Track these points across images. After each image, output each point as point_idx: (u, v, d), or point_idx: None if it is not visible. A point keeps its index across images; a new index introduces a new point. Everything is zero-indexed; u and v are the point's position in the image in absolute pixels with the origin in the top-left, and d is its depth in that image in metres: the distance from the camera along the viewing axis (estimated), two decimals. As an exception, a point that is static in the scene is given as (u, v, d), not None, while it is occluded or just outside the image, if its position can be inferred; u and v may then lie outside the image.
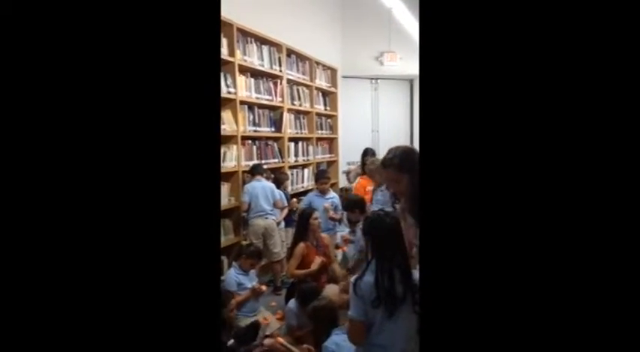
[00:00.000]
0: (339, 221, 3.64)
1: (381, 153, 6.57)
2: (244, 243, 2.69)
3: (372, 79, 6.45)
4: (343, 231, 3.56)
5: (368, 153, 4.22)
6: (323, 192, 3.64)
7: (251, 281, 2.59)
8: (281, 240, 3.63)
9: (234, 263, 2.59)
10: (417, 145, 1.23)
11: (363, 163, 3.76)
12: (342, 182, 5.65)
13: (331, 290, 2.39)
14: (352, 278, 1.49)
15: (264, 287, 2.57)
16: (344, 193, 5.53)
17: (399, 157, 1.47)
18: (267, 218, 3.32)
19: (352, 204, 2.96)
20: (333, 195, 3.72)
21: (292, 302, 2.40)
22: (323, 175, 3.77)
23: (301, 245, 2.73)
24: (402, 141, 6.51)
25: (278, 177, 3.77)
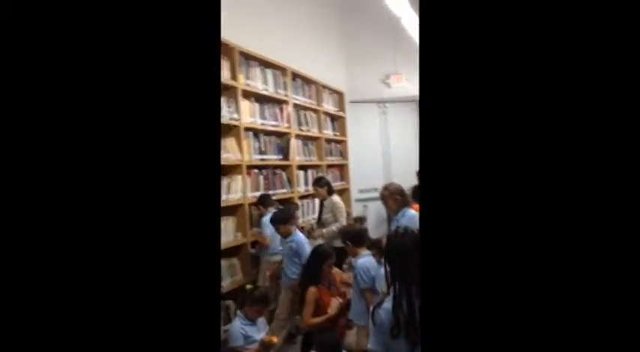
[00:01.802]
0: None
1: (393, 178, 6.33)
2: (248, 287, 2.35)
3: (380, 102, 6.27)
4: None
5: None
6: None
7: (260, 332, 2.22)
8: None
9: (238, 312, 2.23)
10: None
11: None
12: (355, 211, 5.32)
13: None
14: (371, 307, 1.39)
15: (275, 339, 2.19)
16: (358, 223, 5.22)
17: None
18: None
19: (349, 235, 2.54)
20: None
21: (310, 357, 2.03)
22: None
23: (312, 290, 2.37)
24: (414, 163, 6.22)
25: (288, 208, 3.46)
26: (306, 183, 4.05)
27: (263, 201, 3.12)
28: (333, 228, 3.35)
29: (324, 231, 3.38)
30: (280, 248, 2.94)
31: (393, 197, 2.65)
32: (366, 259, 2.32)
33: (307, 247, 2.78)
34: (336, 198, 3.47)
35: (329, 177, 4.62)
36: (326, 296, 2.40)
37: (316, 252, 2.57)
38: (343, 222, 3.38)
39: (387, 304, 1.30)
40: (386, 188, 2.73)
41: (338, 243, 3.01)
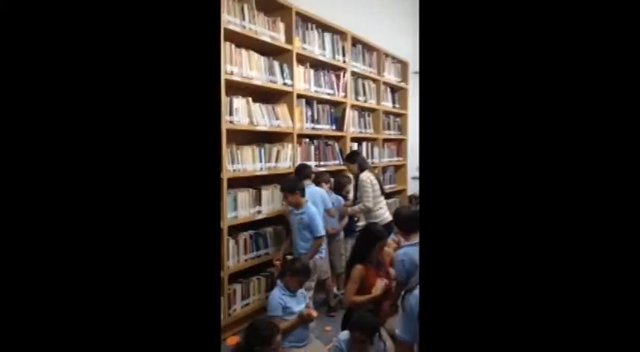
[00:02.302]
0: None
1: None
2: (289, 257, 2.27)
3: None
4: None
5: None
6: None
7: (299, 304, 2.16)
8: (339, 253, 3.17)
9: (278, 281, 2.18)
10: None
11: None
12: (411, 189, 5.05)
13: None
14: (402, 292, 1.36)
15: (314, 313, 2.12)
16: (414, 202, 4.97)
17: None
18: None
19: (399, 219, 2.28)
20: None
21: (345, 335, 1.93)
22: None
23: (359, 267, 2.24)
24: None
25: (339, 180, 3.32)
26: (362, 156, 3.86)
27: (297, 172, 2.96)
28: (356, 208, 3.11)
29: (349, 209, 3.16)
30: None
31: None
32: (407, 249, 2.12)
33: (319, 220, 2.65)
34: (363, 175, 3.12)
35: (385, 152, 4.40)
36: (372, 276, 2.26)
37: (368, 230, 2.42)
38: (367, 201, 3.07)
39: (418, 291, 1.22)
40: None
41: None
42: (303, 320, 2.10)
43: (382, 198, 3.23)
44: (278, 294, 2.12)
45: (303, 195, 2.68)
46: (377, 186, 3.18)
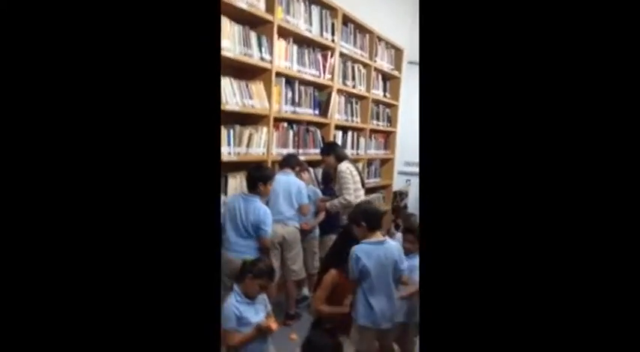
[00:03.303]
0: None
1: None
2: (248, 258, 1.97)
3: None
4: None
5: None
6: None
7: (258, 314, 1.86)
8: (313, 251, 2.88)
9: (235, 287, 1.86)
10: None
11: None
12: (397, 184, 4.78)
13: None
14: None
15: (274, 325, 1.83)
16: (397, 198, 4.71)
17: None
18: (286, 224, 2.58)
19: (365, 213, 1.95)
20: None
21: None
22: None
23: (332, 272, 1.95)
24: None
25: (327, 173, 3.01)
26: (343, 146, 3.55)
27: (283, 161, 2.68)
28: (336, 202, 2.77)
29: (327, 203, 2.81)
30: (281, 214, 2.53)
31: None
32: (365, 247, 1.86)
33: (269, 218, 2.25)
34: (343, 165, 2.78)
35: (372, 143, 4.10)
36: (347, 284, 1.98)
37: (349, 231, 2.12)
38: (348, 194, 2.73)
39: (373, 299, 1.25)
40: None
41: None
42: (262, 333, 1.81)
43: (362, 193, 2.92)
44: (233, 302, 1.80)
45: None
46: (357, 178, 2.87)
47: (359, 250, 1.87)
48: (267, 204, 2.51)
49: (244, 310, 1.81)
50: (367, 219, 1.91)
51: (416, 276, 1.97)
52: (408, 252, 2.10)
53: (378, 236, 1.90)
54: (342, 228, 2.70)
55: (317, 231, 2.91)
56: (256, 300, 1.87)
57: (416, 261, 2.05)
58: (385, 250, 1.87)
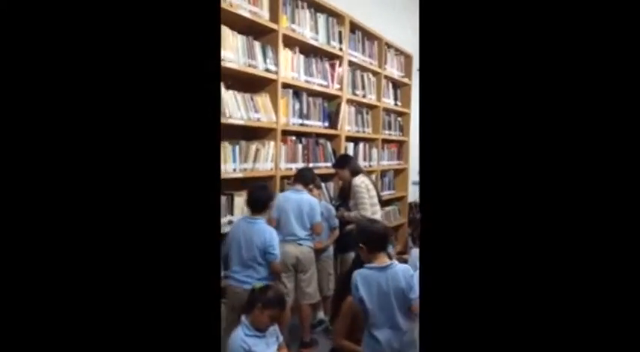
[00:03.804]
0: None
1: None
2: (257, 285, 1.79)
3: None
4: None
5: None
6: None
7: (269, 347, 1.68)
8: (327, 272, 2.70)
9: (243, 318, 1.69)
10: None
11: None
12: (412, 195, 4.58)
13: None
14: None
15: (289, 359, 1.65)
16: (414, 210, 4.51)
17: None
18: (300, 244, 2.40)
19: (364, 234, 1.74)
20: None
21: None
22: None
23: (350, 300, 1.76)
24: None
25: (342, 187, 2.85)
26: (355, 158, 3.39)
27: (297, 177, 2.52)
28: (353, 214, 2.62)
29: (345, 213, 2.68)
30: (293, 235, 2.36)
31: None
32: (365, 273, 1.65)
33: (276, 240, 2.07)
34: (357, 180, 2.64)
35: (384, 154, 3.93)
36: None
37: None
38: (364, 211, 2.58)
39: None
40: None
41: None
42: (274, 369, 1.63)
43: (378, 208, 2.74)
44: (240, 336, 1.63)
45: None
46: (373, 192, 2.70)
47: (358, 276, 1.65)
48: (278, 224, 2.35)
49: (254, 344, 1.64)
50: (365, 240, 1.69)
51: None
52: None
53: (382, 259, 1.66)
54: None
55: (331, 250, 2.73)
56: (267, 332, 1.70)
57: None
58: (388, 277, 1.61)
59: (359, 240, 1.71)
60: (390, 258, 1.73)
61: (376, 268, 1.65)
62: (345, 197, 2.86)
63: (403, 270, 1.64)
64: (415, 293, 1.58)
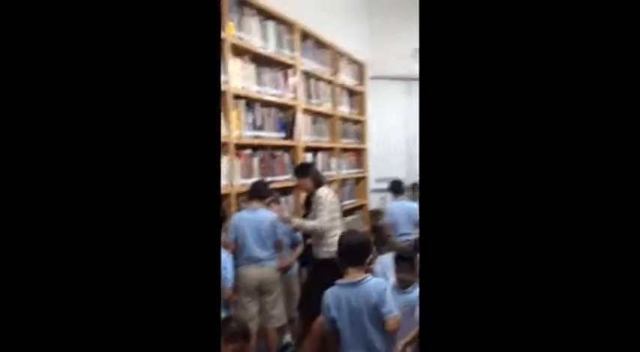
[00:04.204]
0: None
1: (417, 168, 5.53)
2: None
3: (406, 80, 5.43)
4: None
5: None
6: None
7: (233, 386, 1.51)
8: (292, 291, 2.55)
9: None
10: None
11: None
12: (373, 203, 4.56)
13: None
14: None
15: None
16: (376, 218, 4.48)
17: None
18: (263, 266, 2.25)
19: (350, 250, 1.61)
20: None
21: None
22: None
23: (320, 321, 1.64)
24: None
25: (307, 198, 2.71)
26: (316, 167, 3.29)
27: (251, 191, 2.35)
28: (302, 222, 2.43)
29: (294, 220, 2.44)
30: (253, 257, 2.21)
31: None
32: (337, 291, 1.52)
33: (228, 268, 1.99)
34: (320, 191, 2.46)
35: (343, 162, 3.87)
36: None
37: (332, 264, 1.81)
38: (319, 222, 2.36)
39: None
40: None
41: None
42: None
43: (339, 223, 2.55)
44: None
45: None
46: (336, 206, 2.59)
47: (330, 296, 1.52)
48: (235, 248, 2.18)
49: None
50: (340, 252, 1.58)
51: (415, 315, 1.68)
52: (404, 285, 1.83)
53: (354, 274, 1.53)
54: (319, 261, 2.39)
55: (295, 267, 2.60)
56: (230, 368, 1.53)
57: (414, 294, 1.77)
58: (358, 293, 1.49)
59: (341, 254, 1.58)
60: (367, 271, 1.62)
61: (347, 284, 1.53)
62: (309, 207, 2.74)
63: (375, 284, 1.52)
64: (386, 308, 1.47)
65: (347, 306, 1.50)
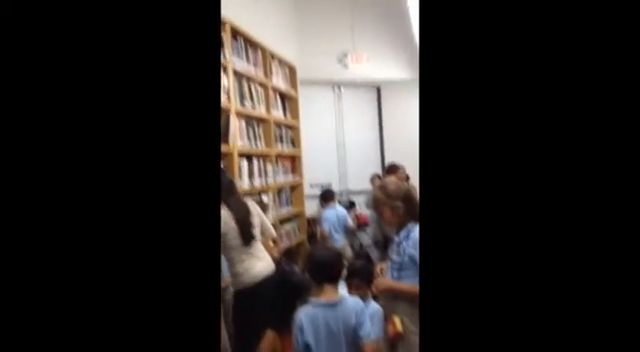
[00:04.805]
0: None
1: (348, 173, 5.58)
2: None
3: (335, 85, 5.47)
4: None
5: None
6: None
7: None
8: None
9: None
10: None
11: None
12: (309, 209, 4.45)
13: None
14: None
15: None
16: (312, 225, 4.38)
17: None
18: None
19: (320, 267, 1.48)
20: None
21: None
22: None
23: (270, 335, 1.46)
24: (373, 157, 5.56)
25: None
26: (250, 176, 3.07)
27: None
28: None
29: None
30: None
31: (391, 203, 1.46)
32: (312, 312, 1.37)
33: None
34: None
35: (279, 169, 3.70)
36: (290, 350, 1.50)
37: (287, 283, 1.63)
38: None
39: None
40: (383, 187, 1.52)
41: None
42: None
43: (250, 249, 1.91)
44: None
45: None
46: (235, 233, 1.90)
47: (303, 317, 1.36)
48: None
49: None
50: (310, 268, 1.44)
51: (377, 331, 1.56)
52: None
53: (331, 294, 1.39)
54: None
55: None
56: None
57: (370, 309, 1.65)
58: (337, 315, 1.35)
59: (310, 271, 1.41)
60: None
61: (324, 305, 1.36)
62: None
63: (354, 304, 1.38)
64: (364, 330, 1.33)
65: (325, 330, 1.34)
